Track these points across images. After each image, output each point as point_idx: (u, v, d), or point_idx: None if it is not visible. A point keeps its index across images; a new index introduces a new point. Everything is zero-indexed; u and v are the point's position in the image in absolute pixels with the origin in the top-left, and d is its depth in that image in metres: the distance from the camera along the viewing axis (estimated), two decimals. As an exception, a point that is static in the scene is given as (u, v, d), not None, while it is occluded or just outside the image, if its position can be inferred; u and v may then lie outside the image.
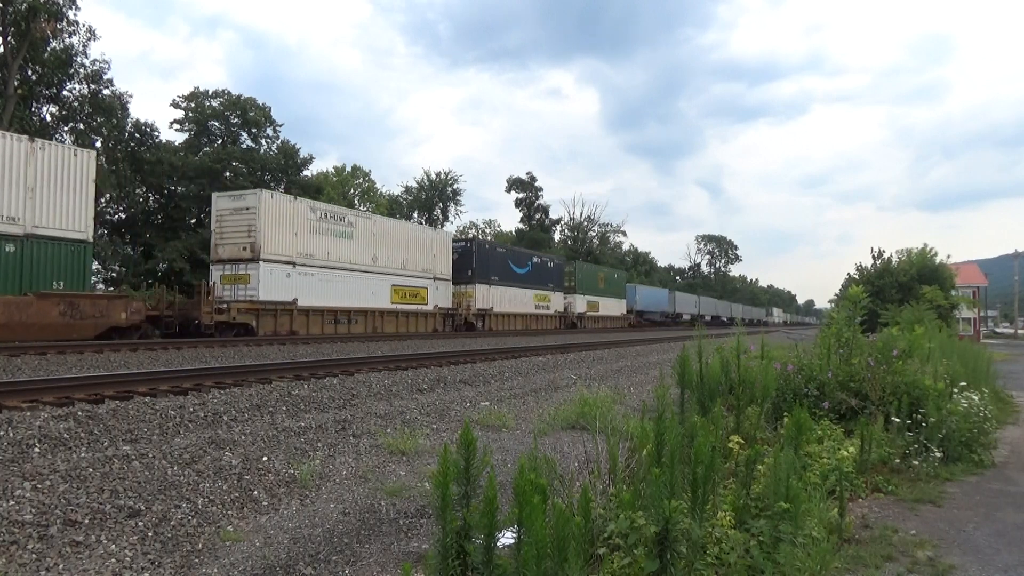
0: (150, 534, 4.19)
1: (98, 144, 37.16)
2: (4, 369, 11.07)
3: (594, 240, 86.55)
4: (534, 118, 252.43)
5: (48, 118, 35.30)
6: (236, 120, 44.10)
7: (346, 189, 58.80)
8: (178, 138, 43.56)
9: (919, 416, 6.42)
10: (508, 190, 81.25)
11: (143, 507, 4.49)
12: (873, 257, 27.09)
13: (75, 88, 35.65)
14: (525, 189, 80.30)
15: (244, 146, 44.34)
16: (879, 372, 7.08)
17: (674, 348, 24.52)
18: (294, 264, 24.31)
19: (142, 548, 4.02)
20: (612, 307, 55.62)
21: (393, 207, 64.92)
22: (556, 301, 45.57)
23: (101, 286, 35.38)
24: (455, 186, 72.91)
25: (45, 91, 34.61)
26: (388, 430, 7.41)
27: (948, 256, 26.79)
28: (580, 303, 49.07)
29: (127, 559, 3.88)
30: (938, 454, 6.14)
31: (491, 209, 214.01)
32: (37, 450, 5.47)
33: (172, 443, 5.99)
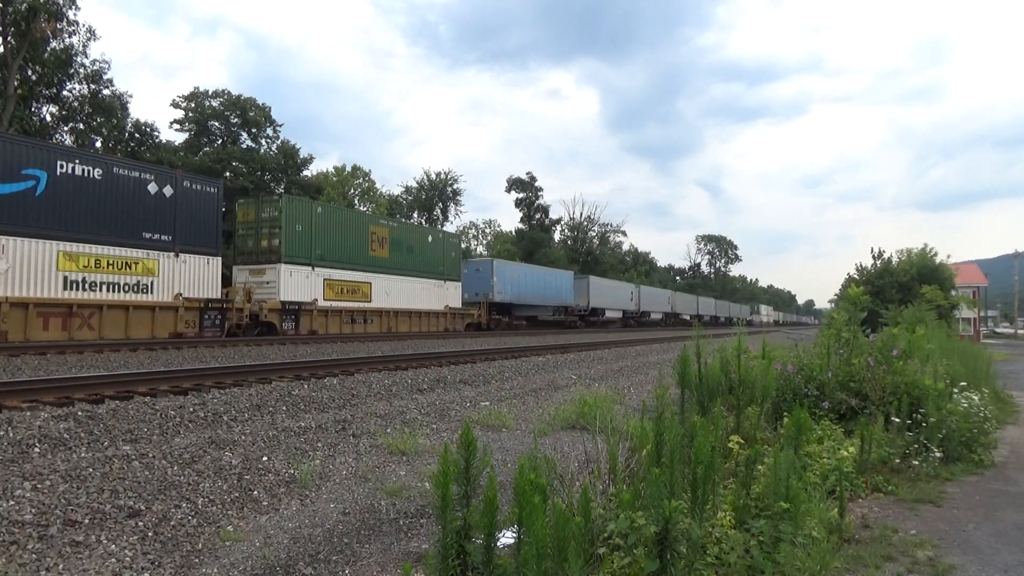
0: (150, 534, 4.19)
1: (98, 144, 37.19)
2: (4, 369, 11.07)
3: (594, 240, 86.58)
4: (534, 119, 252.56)
5: (48, 118, 35.32)
6: (236, 120, 44.15)
7: (346, 189, 58.80)
8: (178, 138, 43.64)
9: (919, 416, 6.42)
10: (508, 190, 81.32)
11: (143, 507, 4.49)
12: (873, 257, 27.06)
13: (75, 88, 35.72)
14: (525, 189, 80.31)
15: (244, 146, 44.37)
16: (879, 372, 7.09)
17: (675, 348, 24.54)
18: None
19: (142, 548, 4.02)
20: (422, 295, 31.79)
21: (393, 207, 64.94)
22: (183, 274, 20.63)
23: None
24: (455, 186, 72.96)
25: (45, 91, 34.63)
26: (388, 430, 7.41)
27: (948, 256, 26.78)
28: (302, 282, 24.77)
29: (127, 559, 3.88)
30: (938, 454, 6.14)
31: (491, 209, 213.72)
32: (37, 450, 5.47)
33: (172, 443, 5.99)
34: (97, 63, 35.89)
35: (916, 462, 5.97)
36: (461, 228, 76.24)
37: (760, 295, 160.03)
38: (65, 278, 17.52)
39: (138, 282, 19.33)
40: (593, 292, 50.96)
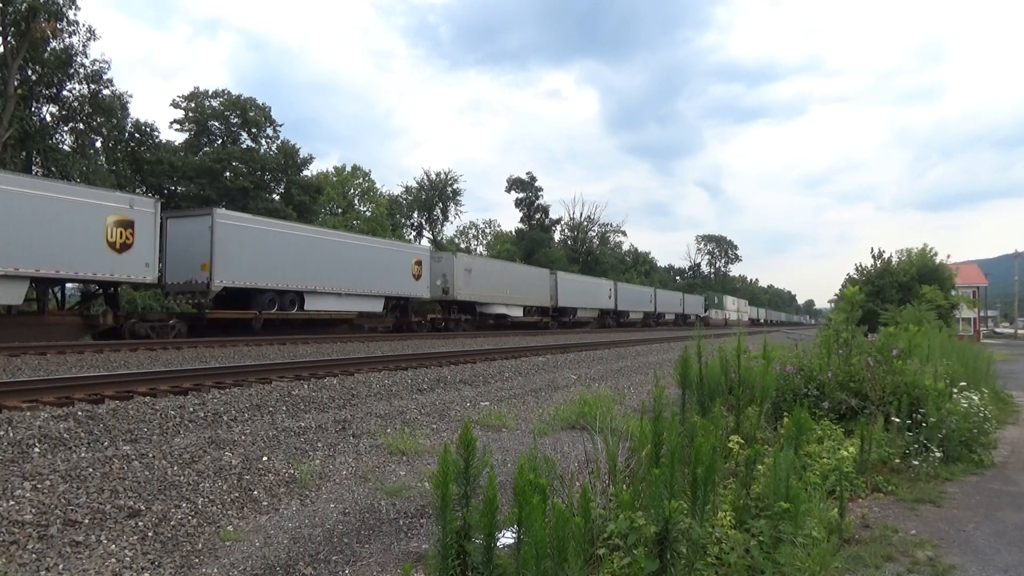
0: (150, 534, 4.19)
1: (98, 144, 37.17)
2: (4, 369, 11.07)
3: (594, 240, 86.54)
4: (534, 119, 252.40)
5: (48, 118, 35.29)
6: (236, 120, 44.10)
7: (346, 189, 58.81)
8: (178, 138, 43.60)
9: (919, 416, 6.42)
10: (508, 190, 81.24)
11: (143, 507, 4.49)
12: (873, 257, 27.04)
13: (75, 88, 35.64)
14: (525, 189, 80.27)
15: (244, 146, 44.33)
16: (879, 372, 7.08)
17: (675, 348, 24.54)
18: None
19: (142, 548, 4.02)
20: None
21: (393, 207, 64.95)
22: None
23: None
24: (455, 186, 72.99)
25: (45, 91, 34.56)
26: (388, 430, 7.41)
27: (948, 256, 26.79)
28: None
29: (127, 559, 3.88)
30: (938, 454, 6.14)
31: (491, 209, 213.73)
32: (37, 450, 5.47)
33: (172, 443, 5.99)
34: (97, 63, 35.80)
35: (916, 462, 5.96)
36: (461, 228, 76.34)
37: (760, 295, 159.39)
38: None
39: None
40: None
